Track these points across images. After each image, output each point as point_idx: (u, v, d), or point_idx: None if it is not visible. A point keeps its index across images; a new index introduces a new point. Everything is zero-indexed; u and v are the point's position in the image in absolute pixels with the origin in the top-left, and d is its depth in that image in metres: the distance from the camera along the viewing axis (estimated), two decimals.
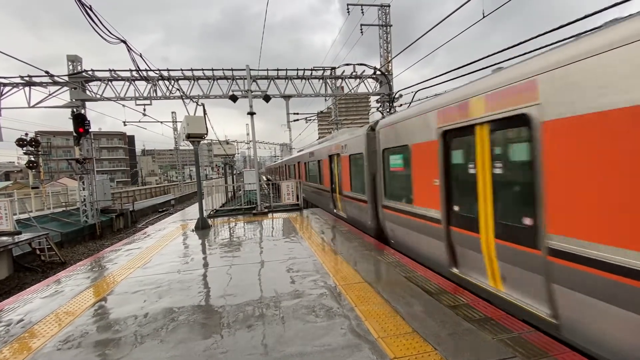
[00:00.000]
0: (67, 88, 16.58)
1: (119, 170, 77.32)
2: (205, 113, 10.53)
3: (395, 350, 3.08)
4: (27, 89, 16.29)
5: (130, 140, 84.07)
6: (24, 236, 12.42)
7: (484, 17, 7.38)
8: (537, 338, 3.17)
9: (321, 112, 28.53)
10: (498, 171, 4.07)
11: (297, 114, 27.90)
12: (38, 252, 13.27)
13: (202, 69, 17.43)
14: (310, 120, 29.17)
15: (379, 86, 19.01)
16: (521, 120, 3.62)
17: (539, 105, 3.35)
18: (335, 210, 11.85)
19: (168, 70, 16.98)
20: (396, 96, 16.29)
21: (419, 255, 6.15)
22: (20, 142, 23.43)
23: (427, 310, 3.87)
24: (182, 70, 17.22)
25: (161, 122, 24.09)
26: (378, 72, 18.52)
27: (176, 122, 38.07)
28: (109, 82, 16.99)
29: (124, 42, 7.66)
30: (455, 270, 4.99)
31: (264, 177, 29.78)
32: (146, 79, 16.17)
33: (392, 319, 3.69)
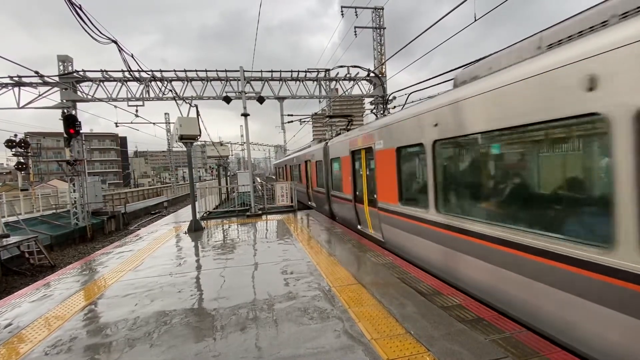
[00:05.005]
0: (58, 89, 16.36)
1: (110, 172, 76.31)
2: (198, 114, 10.46)
3: (389, 352, 3.08)
4: (16, 89, 16.03)
5: (123, 141, 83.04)
6: (13, 239, 12.21)
7: (475, 20, 7.47)
8: (528, 338, 3.19)
9: (315, 113, 28.47)
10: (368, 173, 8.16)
11: (292, 115, 27.86)
12: (27, 255, 13.05)
13: (196, 70, 17.34)
14: (304, 121, 29.12)
15: (372, 88, 19.09)
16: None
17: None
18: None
19: (161, 71, 16.84)
20: (390, 98, 16.39)
21: (344, 220, 10.59)
22: (9, 144, 23.05)
23: (420, 311, 3.89)
24: (175, 71, 17.10)
25: (154, 123, 23.71)
26: (372, 74, 18.61)
27: (169, 123, 37.65)
28: (101, 83, 16.79)
29: (115, 42, 7.57)
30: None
31: (258, 179, 29.53)
32: (138, 79, 16.03)
33: (386, 320, 3.69)
